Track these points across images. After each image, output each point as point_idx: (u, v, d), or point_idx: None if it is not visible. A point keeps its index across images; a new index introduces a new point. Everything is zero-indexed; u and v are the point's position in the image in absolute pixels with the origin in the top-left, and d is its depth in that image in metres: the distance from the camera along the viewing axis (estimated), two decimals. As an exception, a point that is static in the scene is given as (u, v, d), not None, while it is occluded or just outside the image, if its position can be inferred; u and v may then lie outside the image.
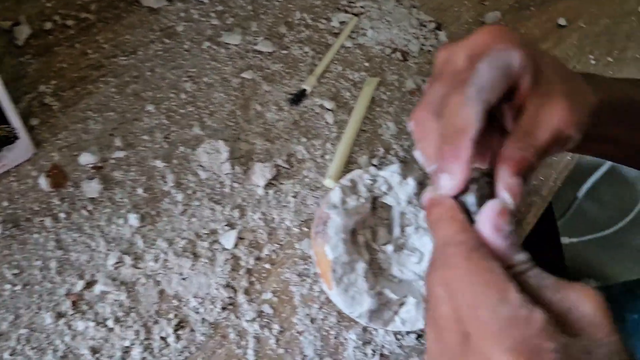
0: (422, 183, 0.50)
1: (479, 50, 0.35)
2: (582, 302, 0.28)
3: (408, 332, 0.51)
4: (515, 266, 0.29)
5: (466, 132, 0.32)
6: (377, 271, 0.48)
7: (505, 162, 0.33)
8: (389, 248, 0.48)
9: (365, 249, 0.48)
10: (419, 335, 0.52)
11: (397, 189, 0.49)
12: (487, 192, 0.33)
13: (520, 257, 0.30)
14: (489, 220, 0.30)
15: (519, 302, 0.26)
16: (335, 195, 0.47)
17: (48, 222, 0.52)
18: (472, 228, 0.31)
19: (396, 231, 0.49)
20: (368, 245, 0.49)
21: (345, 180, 0.49)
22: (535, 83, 0.35)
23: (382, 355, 0.50)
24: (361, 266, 0.46)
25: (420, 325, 0.47)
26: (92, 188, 0.55)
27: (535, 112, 0.35)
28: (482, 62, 0.34)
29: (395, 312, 0.47)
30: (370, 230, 0.49)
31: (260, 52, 0.69)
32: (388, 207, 0.50)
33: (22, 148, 0.54)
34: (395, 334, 0.51)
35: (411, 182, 0.49)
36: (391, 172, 0.49)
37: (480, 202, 0.32)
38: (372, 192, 0.49)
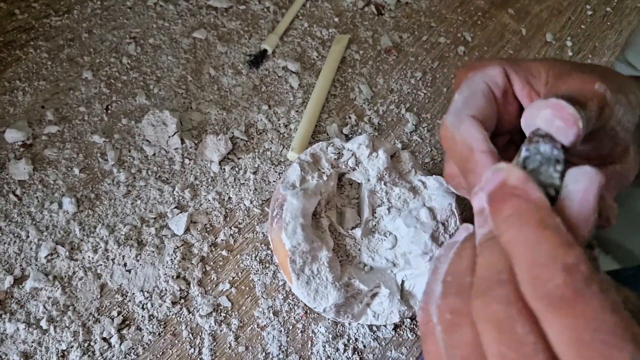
0: (394, 156, 0.43)
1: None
2: None
3: (383, 323, 0.45)
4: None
5: (472, 151, 0.29)
6: (344, 259, 0.42)
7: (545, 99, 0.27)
8: (358, 232, 0.42)
9: (330, 234, 0.42)
10: (397, 326, 0.46)
11: (366, 164, 0.43)
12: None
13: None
14: (589, 206, 0.22)
15: None
16: (293, 173, 0.41)
17: (-33, 211, 0.46)
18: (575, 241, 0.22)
19: (366, 213, 0.43)
20: (333, 229, 0.43)
21: (305, 155, 0.42)
22: (532, 79, 0.33)
23: (355, 349, 0.45)
24: (325, 255, 0.40)
25: (395, 318, 0.41)
26: (20, 169, 0.48)
27: (553, 84, 0.31)
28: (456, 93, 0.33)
29: (367, 305, 0.41)
30: (336, 212, 0.43)
31: (215, 8, 0.61)
32: (356, 185, 0.44)
33: None
34: (370, 325, 0.46)
35: (382, 156, 0.42)
36: (359, 144, 0.43)
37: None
38: (337, 168, 0.43)
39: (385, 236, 0.42)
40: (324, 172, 0.42)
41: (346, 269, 0.41)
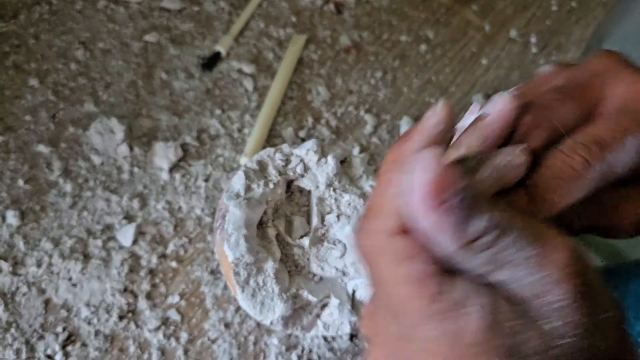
0: (344, 161, 0.42)
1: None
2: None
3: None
4: (472, 242, 0.20)
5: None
6: (292, 269, 0.41)
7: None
8: (306, 241, 0.41)
9: (277, 244, 0.40)
10: (353, 336, 0.45)
11: (315, 170, 0.42)
12: None
13: (478, 223, 0.19)
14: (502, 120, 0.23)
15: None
16: (238, 182, 0.40)
17: None
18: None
19: (314, 221, 0.41)
20: (281, 239, 0.41)
21: (251, 163, 0.41)
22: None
23: (309, 360, 0.44)
24: (270, 266, 0.38)
25: (346, 329, 0.40)
26: (-39, 182, 0.46)
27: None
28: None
29: (317, 316, 0.40)
30: (284, 220, 0.42)
31: (167, 10, 0.59)
32: (306, 192, 0.43)
33: None
34: (325, 335, 0.44)
35: (331, 162, 0.41)
36: (307, 150, 0.41)
37: None
38: (285, 175, 0.41)
39: (335, 244, 0.41)
40: (270, 180, 0.41)
41: (295, 280, 0.40)
